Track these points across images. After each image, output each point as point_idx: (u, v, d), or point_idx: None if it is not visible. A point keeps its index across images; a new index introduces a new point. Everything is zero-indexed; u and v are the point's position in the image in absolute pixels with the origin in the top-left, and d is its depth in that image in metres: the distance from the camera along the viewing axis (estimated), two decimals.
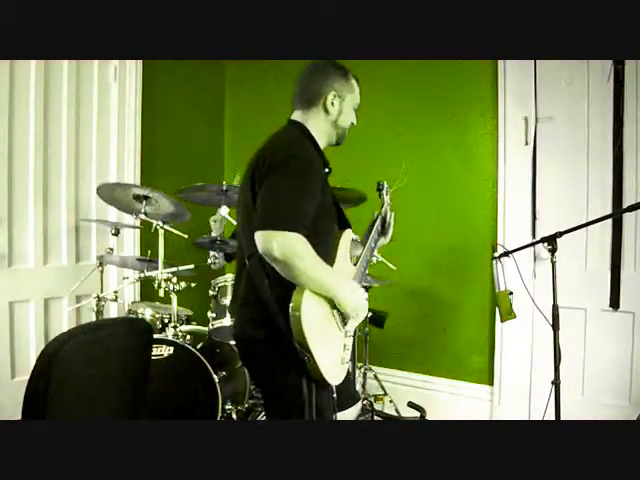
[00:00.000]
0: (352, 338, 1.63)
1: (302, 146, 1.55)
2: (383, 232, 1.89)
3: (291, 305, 1.37)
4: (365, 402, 2.82)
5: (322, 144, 1.66)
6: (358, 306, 1.53)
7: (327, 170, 1.65)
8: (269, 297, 1.44)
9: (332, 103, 1.62)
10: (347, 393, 1.71)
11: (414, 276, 3.18)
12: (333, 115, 1.63)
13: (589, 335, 2.75)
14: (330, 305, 1.48)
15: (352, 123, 1.71)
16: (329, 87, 1.61)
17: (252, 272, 1.49)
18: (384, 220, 1.89)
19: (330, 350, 1.49)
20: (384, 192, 1.94)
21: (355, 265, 1.68)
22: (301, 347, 1.37)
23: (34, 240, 2.84)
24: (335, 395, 1.55)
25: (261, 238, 1.35)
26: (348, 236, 1.68)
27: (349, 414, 1.75)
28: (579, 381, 2.76)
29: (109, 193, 2.61)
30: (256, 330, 1.51)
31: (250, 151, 1.60)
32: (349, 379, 1.70)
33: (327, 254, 1.53)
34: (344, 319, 1.53)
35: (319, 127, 1.64)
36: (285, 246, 1.33)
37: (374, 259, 2.79)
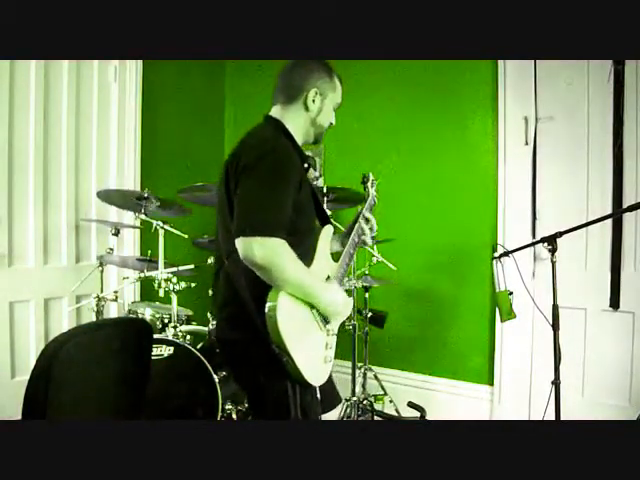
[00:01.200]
0: (335, 337, 1.61)
1: (277, 143, 1.51)
2: (369, 226, 1.81)
3: (267, 305, 1.36)
4: (365, 402, 2.82)
5: (299, 141, 1.64)
6: (338, 310, 1.53)
7: (306, 166, 1.62)
8: (247, 297, 1.43)
9: (313, 100, 1.59)
10: (329, 394, 1.68)
11: (414, 276, 3.18)
12: (313, 112, 1.61)
13: (589, 335, 2.75)
14: (310, 304, 1.46)
15: (331, 123, 1.69)
16: (311, 84, 1.59)
17: (230, 272, 1.48)
18: (370, 211, 1.84)
19: (310, 350, 1.47)
20: (369, 184, 1.90)
21: (336, 262, 1.65)
22: (279, 348, 1.36)
23: (34, 240, 2.84)
24: (319, 396, 1.52)
25: (241, 244, 1.34)
26: (328, 232, 1.66)
27: (330, 416, 1.73)
28: (579, 381, 2.76)
29: (108, 196, 2.63)
30: (236, 330, 1.49)
31: None
32: (330, 380, 1.67)
33: (307, 252, 1.51)
34: (325, 318, 1.52)
35: (297, 123, 1.61)
36: (266, 252, 1.32)
37: (374, 259, 2.80)
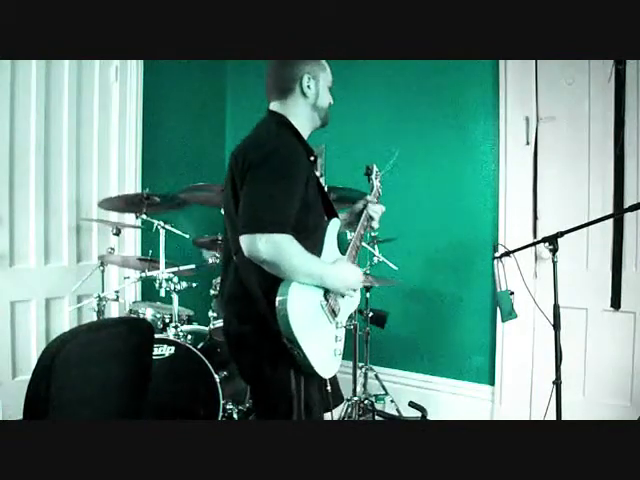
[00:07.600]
0: (344, 329, 1.62)
1: (282, 139, 1.52)
2: (372, 218, 1.83)
3: (277, 299, 1.37)
4: (366, 402, 2.81)
5: (307, 131, 1.64)
6: (350, 284, 1.55)
7: (312, 158, 1.63)
8: (256, 291, 1.44)
9: (308, 86, 1.60)
10: (332, 394, 1.69)
11: (415, 276, 3.18)
12: (311, 98, 1.61)
13: (590, 335, 2.75)
14: (319, 296, 1.48)
15: (330, 102, 1.68)
16: (302, 70, 1.59)
17: (239, 267, 1.49)
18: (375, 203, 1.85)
19: (321, 343, 1.48)
20: (373, 176, 1.91)
21: (344, 255, 1.66)
22: (289, 342, 1.37)
23: (35, 240, 2.84)
24: (329, 388, 1.53)
25: (246, 242, 1.35)
26: (335, 226, 1.66)
27: (330, 416, 1.73)
28: (580, 381, 2.76)
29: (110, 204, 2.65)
30: (244, 325, 1.50)
31: None
32: (335, 380, 1.68)
33: (316, 247, 1.52)
34: (334, 310, 1.53)
35: (300, 114, 1.62)
36: (272, 247, 1.33)
37: (375, 259, 2.80)
